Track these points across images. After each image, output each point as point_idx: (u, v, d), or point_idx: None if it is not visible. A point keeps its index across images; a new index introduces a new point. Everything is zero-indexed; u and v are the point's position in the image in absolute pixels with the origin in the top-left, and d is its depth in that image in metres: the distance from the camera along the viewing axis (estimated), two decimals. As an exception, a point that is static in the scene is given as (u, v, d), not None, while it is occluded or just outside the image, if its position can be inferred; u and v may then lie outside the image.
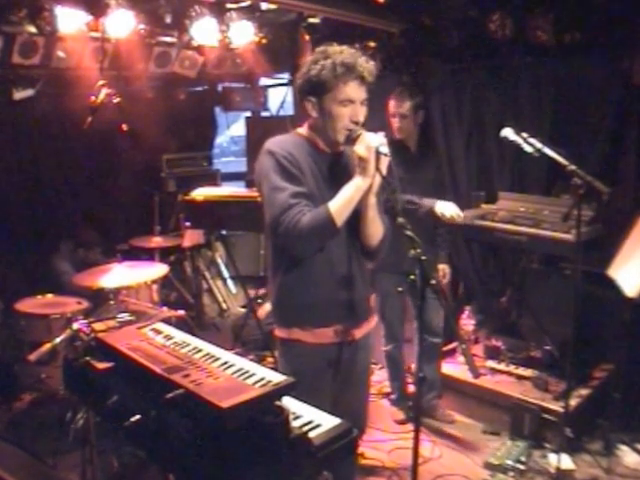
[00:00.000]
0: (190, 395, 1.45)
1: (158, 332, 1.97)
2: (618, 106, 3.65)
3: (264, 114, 6.59)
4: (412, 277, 1.86)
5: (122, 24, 3.88)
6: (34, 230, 4.98)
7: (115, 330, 1.98)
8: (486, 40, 3.88)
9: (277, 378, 1.59)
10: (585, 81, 3.72)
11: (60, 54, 4.23)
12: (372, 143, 1.98)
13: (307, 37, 4.63)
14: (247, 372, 1.67)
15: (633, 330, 3.21)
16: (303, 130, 2.22)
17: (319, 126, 2.13)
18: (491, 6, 3.80)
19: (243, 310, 5.41)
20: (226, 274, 6.06)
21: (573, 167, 2.82)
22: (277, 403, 1.48)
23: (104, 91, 3.69)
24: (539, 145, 2.95)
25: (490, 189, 4.12)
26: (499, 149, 4.15)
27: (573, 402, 3.29)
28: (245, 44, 4.63)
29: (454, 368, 3.95)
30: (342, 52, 2.06)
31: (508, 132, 3.08)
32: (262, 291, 4.84)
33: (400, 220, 1.92)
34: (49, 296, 3.95)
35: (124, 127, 3.91)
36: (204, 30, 4.26)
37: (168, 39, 4.71)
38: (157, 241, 5.07)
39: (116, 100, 3.73)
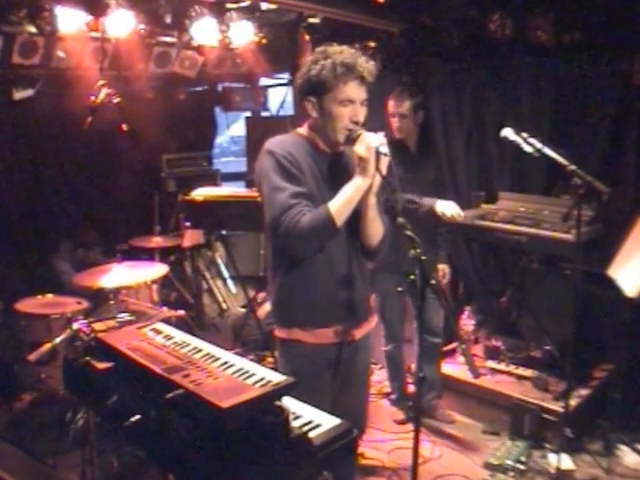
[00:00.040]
0: (190, 395, 1.45)
1: (158, 332, 1.97)
2: (618, 106, 3.65)
3: (264, 114, 6.58)
4: (412, 277, 1.86)
5: (122, 24, 3.88)
6: (34, 230, 4.97)
7: (115, 330, 1.98)
8: (486, 40, 3.88)
9: (277, 378, 1.59)
10: (585, 81, 3.71)
11: (60, 54, 4.23)
12: (372, 143, 1.97)
13: (307, 37, 4.63)
14: (247, 372, 1.67)
15: (633, 330, 3.21)
16: (303, 130, 2.21)
17: (319, 126, 2.13)
18: (491, 6, 3.80)
19: (243, 310, 5.40)
20: (226, 274, 6.06)
21: (573, 167, 2.82)
22: (277, 403, 1.48)
23: (104, 91, 3.69)
24: (539, 145, 2.95)
25: (490, 189, 4.12)
26: (499, 149, 4.15)
27: (573, 402, 3.29)
28: (245, 44, 4.63)
29: (454, 368, 3.95)
30: (342, 52, 2.06)
31: (508, 132, 3.08)
32: (262, 294, 4.83)
33: (400, 220, 1.92)
34: (49, 296, 3.95)
35: (124, 127, 3.91)
36: (204, 30, 4.26)
37: (168, 39, 4.71)
38: (157, 241, 5.06)
39: (116, 100, 3.73)
